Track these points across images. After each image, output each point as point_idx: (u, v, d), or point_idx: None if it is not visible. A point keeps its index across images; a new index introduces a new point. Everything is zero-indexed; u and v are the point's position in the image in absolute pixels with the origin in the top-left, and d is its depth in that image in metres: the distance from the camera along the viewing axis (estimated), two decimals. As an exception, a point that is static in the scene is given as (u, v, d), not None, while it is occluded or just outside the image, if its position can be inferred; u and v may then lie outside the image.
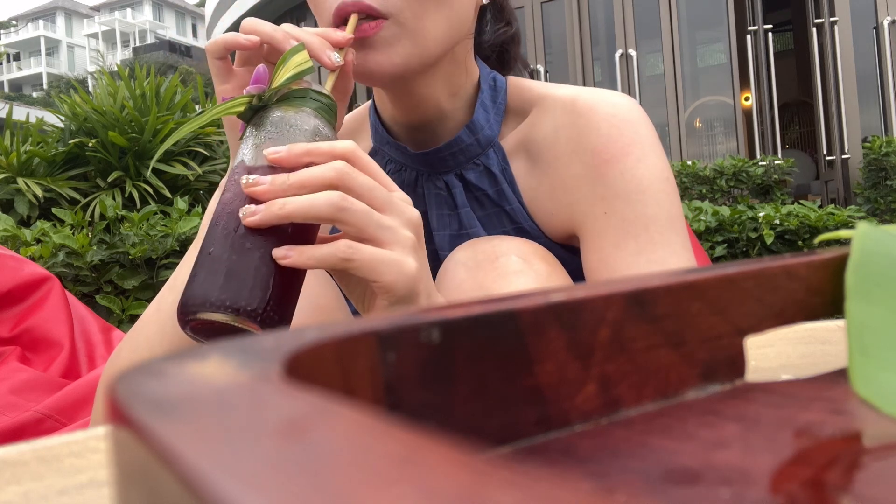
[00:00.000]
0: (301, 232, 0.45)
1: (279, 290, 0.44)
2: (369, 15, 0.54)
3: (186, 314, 0.44)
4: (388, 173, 0.65)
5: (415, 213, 0.46)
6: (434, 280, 0.55)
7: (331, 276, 0.51)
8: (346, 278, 0.48)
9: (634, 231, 0.58)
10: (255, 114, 0.48)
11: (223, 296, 0.43)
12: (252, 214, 0.43)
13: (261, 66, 0.48)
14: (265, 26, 0.50)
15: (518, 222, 0.65)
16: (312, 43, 0.49)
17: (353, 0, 0.54)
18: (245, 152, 0.47)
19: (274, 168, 0.45)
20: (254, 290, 0.43)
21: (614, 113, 0.61)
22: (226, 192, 0.46)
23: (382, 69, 0.56)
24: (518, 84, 0.69)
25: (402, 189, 0.64)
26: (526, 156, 0.65)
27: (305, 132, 0.47)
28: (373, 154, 0.70)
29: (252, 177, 0.44)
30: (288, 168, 0.44)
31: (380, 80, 0.58)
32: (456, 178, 0.66)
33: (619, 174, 0.59)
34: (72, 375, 0.96)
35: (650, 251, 0.58)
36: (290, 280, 0.45)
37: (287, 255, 0.43)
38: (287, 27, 0.51)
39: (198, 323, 0.44)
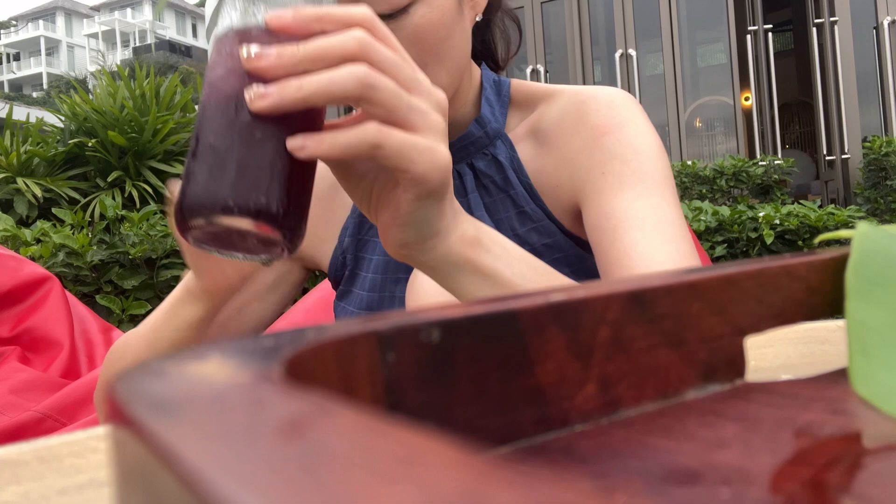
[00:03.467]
0: (311, 118, 0.38)
1: (297, 189, 0.38)
2: None
3: (191, 219, 0.37)
4: None
5: (441, 96, 0.41)
6: (410, 283, 0.55)
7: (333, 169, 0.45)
8: (350, 173, 0.43)
9: (630, 183, 0.61)
10: None
11: (237, 197, 0.36)
12: (262, 98, 0.35)
13: None
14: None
15: (521, 206, 0.68)
16: None
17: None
18: (231, 14, 0.38)
19: (273, 36, 0.37)
20: (271, 189, 0.37)
21: (612, 98, 0.67)
22: (214, 68, 0.38)
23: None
24: (522, 83, 0.72)
25: None
26: (533, 141, 0.69)
27: None
28: None
29: (253, 48, 0.36)
30: (294, 38, 0.37)
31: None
32: (467, 167, 0.69)
33: (615, 141, 0.63)
34: (72, 375, 0.96)
35: (646, 197, 0.60)
36: (306, 177, 0.39)
37: (304, 145, 0.37)
38: None
39: (204, 230, 0.38)
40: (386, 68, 0.37)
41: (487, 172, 0.68)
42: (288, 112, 0.36)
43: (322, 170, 0.68)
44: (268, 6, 0.37)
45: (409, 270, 0.67)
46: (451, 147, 0.67)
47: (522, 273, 0.46)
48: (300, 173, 0.38)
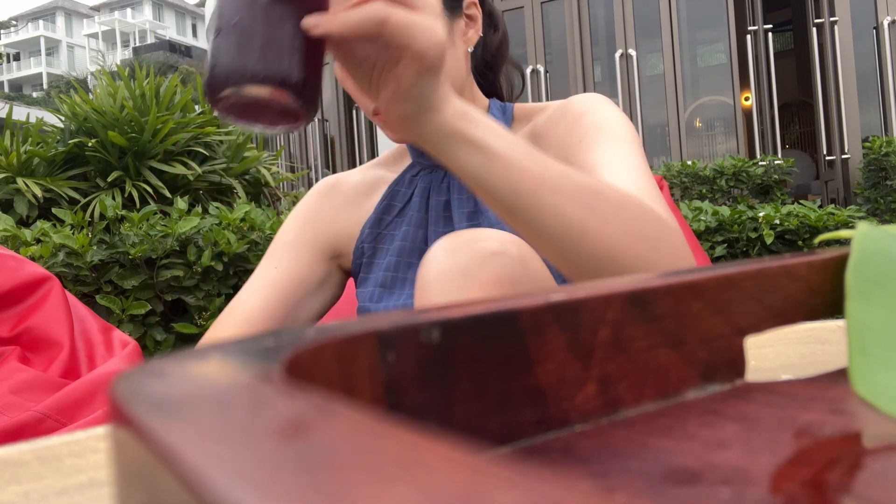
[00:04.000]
0: (322, 3, 0.44)
1: (312, 64, 0.43)
2: None
3: (222, 90, 0.42)
4: (421, 176, 0.82)
5: None
6: (420, 265, 0.59)
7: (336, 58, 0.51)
8: (352, 57, 0.48)
9: (602, 142, 0.69)
10: None
11: (263, 68, 0.41)
12: None
13: None
14: None
15: None
16: None
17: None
18: None
19: None
20: (292, 61, 0.42)
21: (589, 94, 0.78)
22: None
23: (401, 139, 0.68)
24: (523, 104, 0.85)
25: (433, 184, 0.80)
26: (531, 141, 0.77)
27: None
28: (410, 168, 0.84)
29: None
30: None
31: (404, 142, 0.72)
32: None
33: (590, 118, 0.72)
34: (72, 375, 0.96)
35: (615, 150, 0.68)
36: (319, 54, 0.44)
37: (318, 23, 0.42)
38: None
39: (231, 100, 0.42)
40: None
41: None
42: None
43: (355, 180, 0.85)
44: None
45: (420, 256, 0.74)
46: None
47: (510, 146, 0.52)
48: (314, 50, 0.43)
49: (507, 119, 0.82)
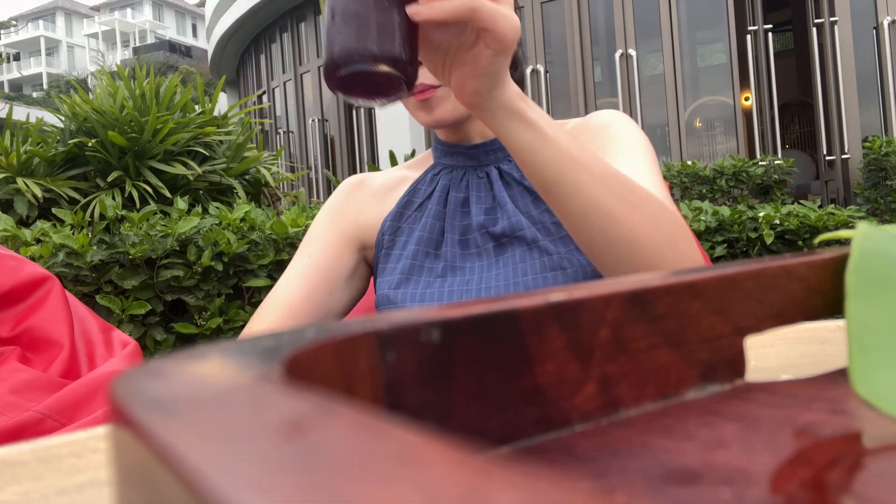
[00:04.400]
0: None
1: (412, 45, 0.53)
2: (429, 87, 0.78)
3: (342, 67, 0.51)
4: (442, 175, 0.89)
5: None
6: None
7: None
8: (431, 42, 0.58)
9: (625, 151, 0.78)
10: None
11: (378, 49, 0.51)
12: None
13: None
14: None
15: (535, 193, 0.84)
16: None
17: (419, 82, 0.75)
18: None
19: None
20: (402, 43, 0.52)
21: (610, 110, 0.87)
22: None
23: (443, 116, 0.81)
24: None
25: (452, 182, 0.88)
26: None
27: None
28: (432, 168, 0.92)
29: None
30: None
31: (443, 123, 0.82)
32: (494, 169, 0.87)
33: (614, 131, 0.81)
34: (72, 375, 0.96)
35: (636, 164, 0.76)
36: (416, 37, 0.55)
37: (420, 10, 0.53)
38: None
39: (349, 77, 0.52)
40: None
41: (509, 171, 0.87)
42: None
43: (380, 178, 0.95)
44: None
45: (438, 247, 0.85)
46: (484, 148, 0.87)
47: (556, 129, 0.61)
48: (413, 33, 0.54)
49: None
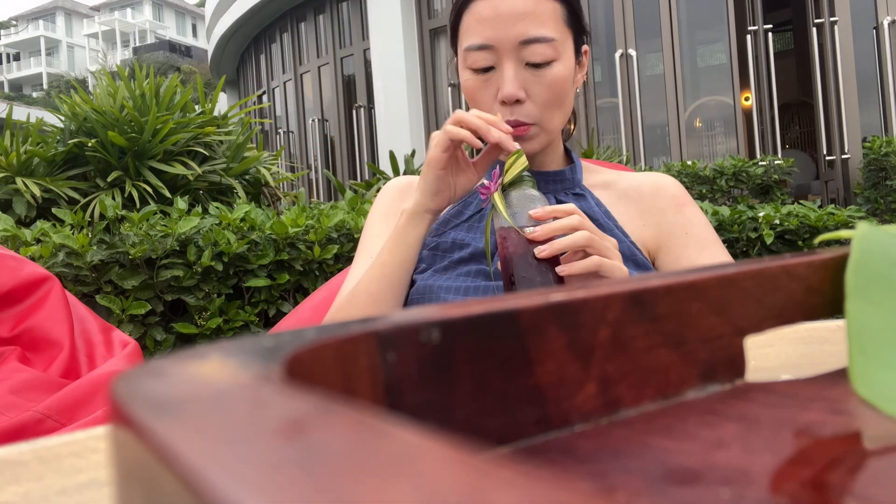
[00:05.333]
0: (560, 258, 0.73)
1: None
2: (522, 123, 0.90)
3: None
4: None
5: (615, 241, 0.76)
6: None
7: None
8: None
9: (705, 244, 0.93)
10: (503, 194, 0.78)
11: None
12: (543, 250, 0.72)
13: (497, 166, 0.80)
14: (469, 120, 0.79)
15: (596, 219, 0.96)
16: (504, 141, 0.79)
17: (514, 119, 0.88)
18: (504, 218, 0.75)
19: (528, 221, 0.73)
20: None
21: (675, 181, 1.00)
22: (507, 243, 0.74)
23: (533, 149, 0.91)
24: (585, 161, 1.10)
25: None
26: (609, 193, 0.99)
27: (535, 198, 0.76)
28: None
29: (530, 228, 0.73)
30: (542, 221, 0.73)
31: (531, 154, 0.91)
32: (552, 198, 0.96)
33: (690, 213, 0.96)
34: (72, 375, 0.96)
35: (719, 249, 0.92)
36: (563, 282, 0.72)
37: (567, 269, 0.72)
38: (479, 115, 0.80)
39: None
40: (591, 229, 0.73)
41: (565, 202, 0.97)
42: (553, 256, 0.72)
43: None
44: (524, 207, 0.75)
45: (480, 262, 0.95)
46: (547, 177, 0.96)
47: None
48: (562, 282, 0.72)
49: (579, 168, 0.99)
